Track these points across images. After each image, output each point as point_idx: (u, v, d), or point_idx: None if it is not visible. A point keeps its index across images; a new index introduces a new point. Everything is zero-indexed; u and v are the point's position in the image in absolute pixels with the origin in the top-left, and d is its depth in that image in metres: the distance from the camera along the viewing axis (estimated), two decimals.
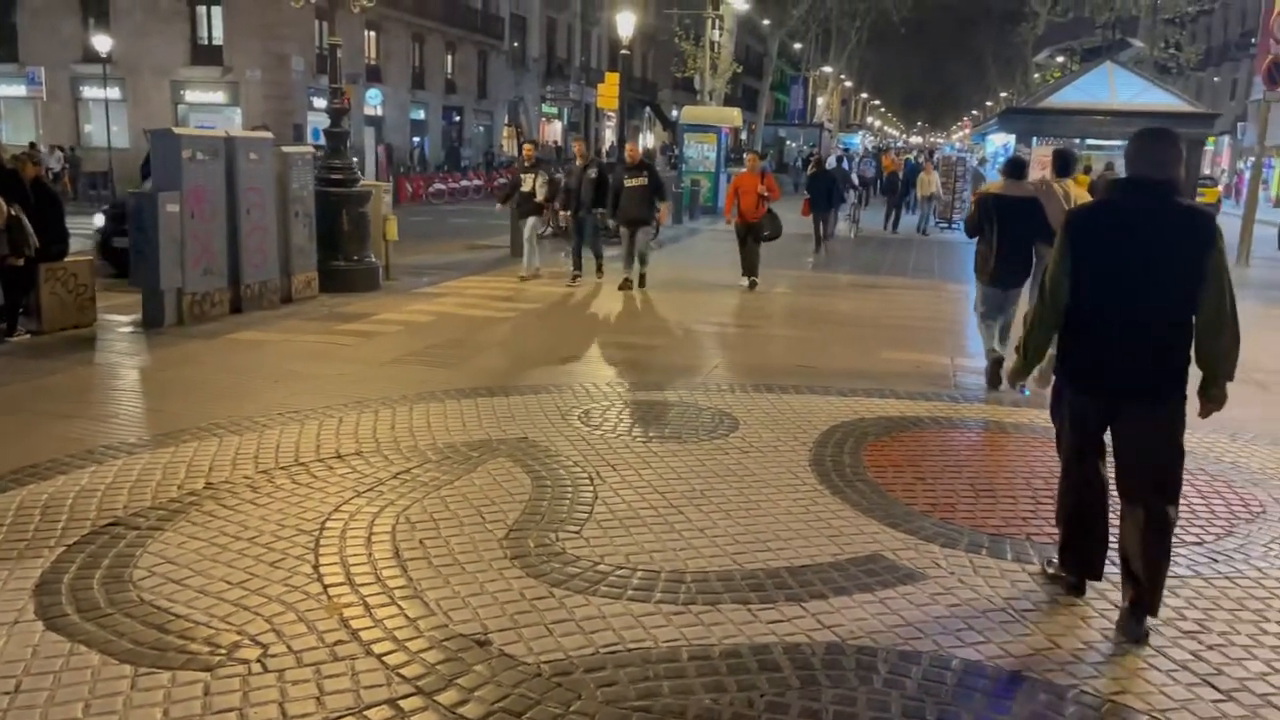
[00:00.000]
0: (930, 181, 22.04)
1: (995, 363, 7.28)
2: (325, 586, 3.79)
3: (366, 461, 5.27)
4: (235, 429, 5.78)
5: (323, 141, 12.05)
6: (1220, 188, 32.17)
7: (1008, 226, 7.10)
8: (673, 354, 8.61)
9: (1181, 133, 16.76)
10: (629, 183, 11.89)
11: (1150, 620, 3.60)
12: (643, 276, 11.96)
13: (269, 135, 10.51)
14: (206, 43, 29.66)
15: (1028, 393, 4.42)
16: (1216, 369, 3.68)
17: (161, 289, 8.73)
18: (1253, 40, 40.47)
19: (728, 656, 3.35)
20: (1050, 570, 4.05)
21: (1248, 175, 24.07)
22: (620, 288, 11.71)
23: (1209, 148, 39.61)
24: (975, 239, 7.49)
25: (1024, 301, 7.01)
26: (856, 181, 23.72)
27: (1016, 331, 6.62)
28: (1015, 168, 7.54)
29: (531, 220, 12.69)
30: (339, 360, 7.80)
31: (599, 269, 12.61)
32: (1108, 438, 3.77)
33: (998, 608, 3.81)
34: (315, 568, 3.96)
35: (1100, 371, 3.67)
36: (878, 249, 18.52)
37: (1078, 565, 3.90)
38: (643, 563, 4.09)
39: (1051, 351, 3.99)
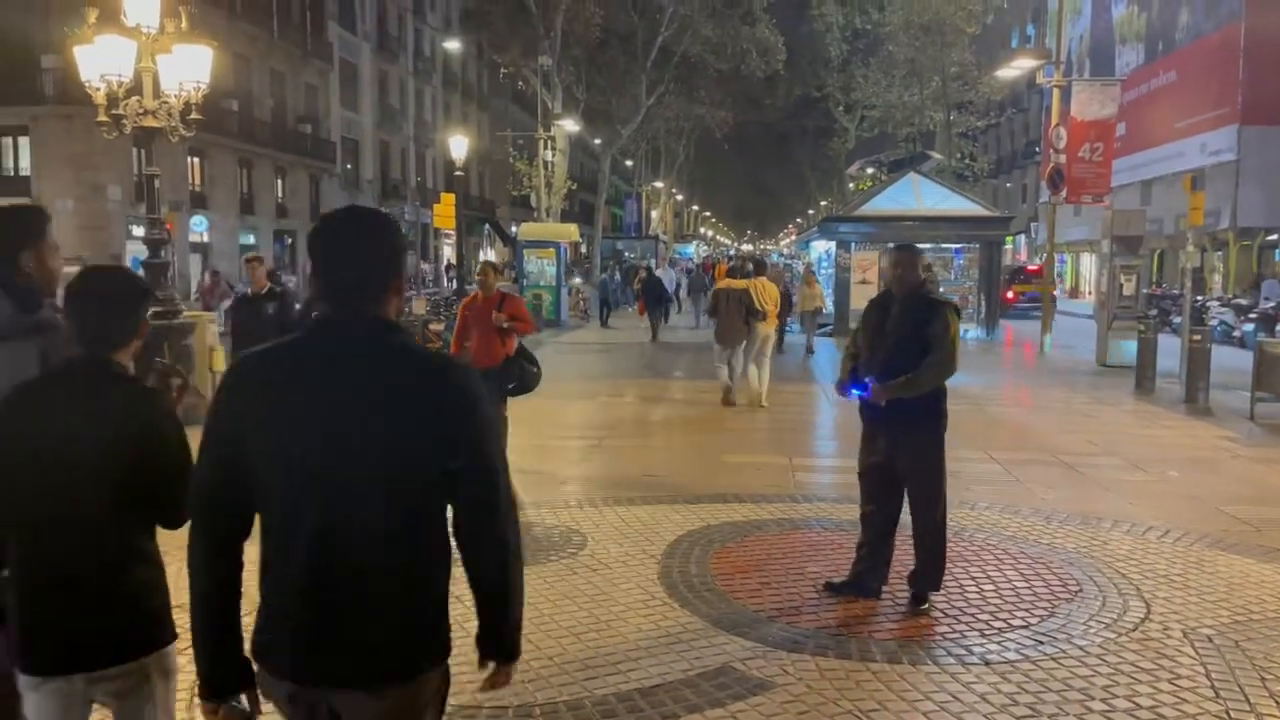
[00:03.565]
0: (814, 295, 19.23)
1: (727, 390, 11.77)
2: None
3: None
4: None
5: (142, 273, 11.53)
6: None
7: (731, 308, 11.53)
8: (519, 472, 8.49)
9: (982, 233, 18.44)
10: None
11: (988, 708, 3.74)
12: None
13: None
14: (13, 174, 28.27)
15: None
16: None
17: None
18: (1036, 149, 44.89)
19: None
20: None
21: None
22: None
23: (1009, 245, 43.24)
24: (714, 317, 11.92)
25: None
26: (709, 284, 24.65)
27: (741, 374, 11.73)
28: (758, 267, 13.33)
29: None
30: None
31: None
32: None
33: (845, 710, 3.85)
34: None
35: None
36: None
37: None
38: (490, 698, 3.93)
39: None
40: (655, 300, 21.88)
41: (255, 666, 2.01)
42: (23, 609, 2.33)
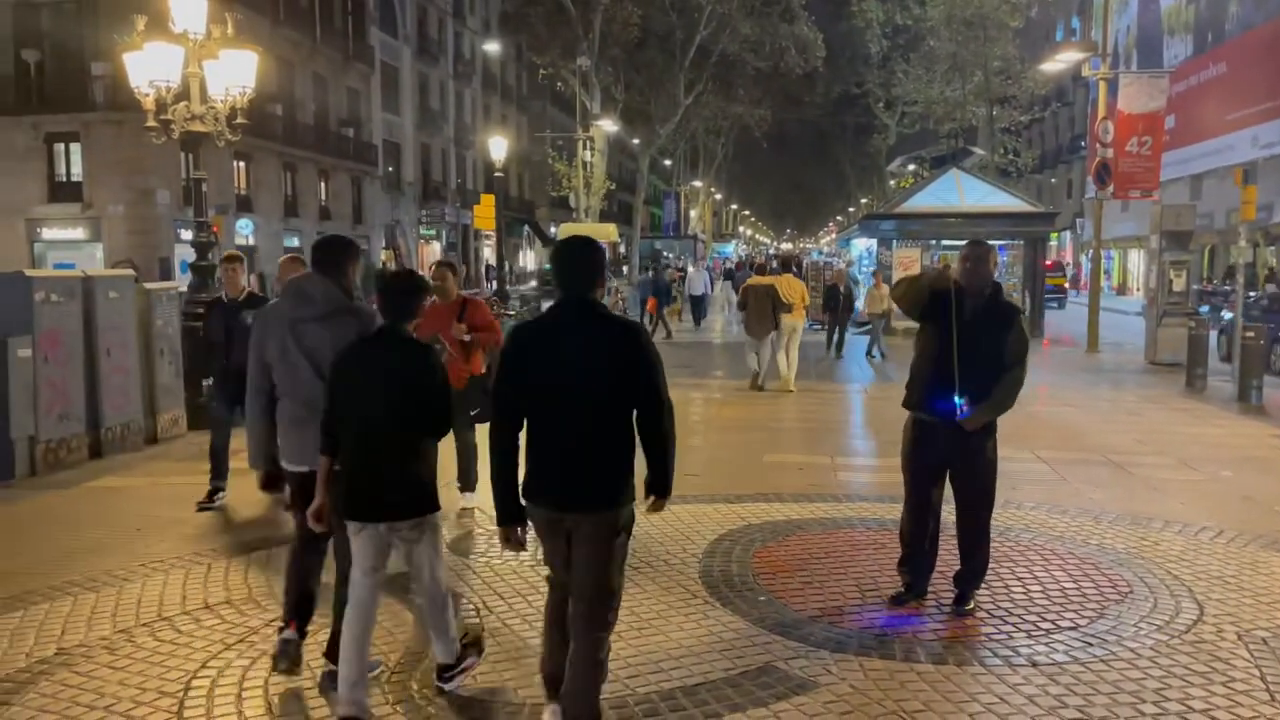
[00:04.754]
0: (882, 297, 17.47)
1: (755, 376, 13.07)
2: None
3: (238, 611, 4.98)
4: (91, 585, 5.40)
5: (189, 275, 11.73)
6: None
7: (759, 302, 12.66)
8: None
9: (1027, 230, 18.23)
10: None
11: (1036, 710, 3.68)
12: None
13: (131, 272, 10.20)
14: (65, 179, 28.87)
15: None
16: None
17: (12, 438, 8.22)
18: (1082, 144, 44.14)
19: None
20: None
21: (1088, 266, 25.84)
22: None
23: (1053, 242, 42.56)
24: (744, 310, 13.16)
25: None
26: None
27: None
28: (784, 265, 15.81)
29: None
30: None
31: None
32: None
33: (889, 711, 3.81)
34: None
35: None
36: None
37: None
38: (532, 696, 3.95)
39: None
40: (664, 296, 23.70)
41: (525, 503, 3.41)
42: (350, 480, 3.70)
